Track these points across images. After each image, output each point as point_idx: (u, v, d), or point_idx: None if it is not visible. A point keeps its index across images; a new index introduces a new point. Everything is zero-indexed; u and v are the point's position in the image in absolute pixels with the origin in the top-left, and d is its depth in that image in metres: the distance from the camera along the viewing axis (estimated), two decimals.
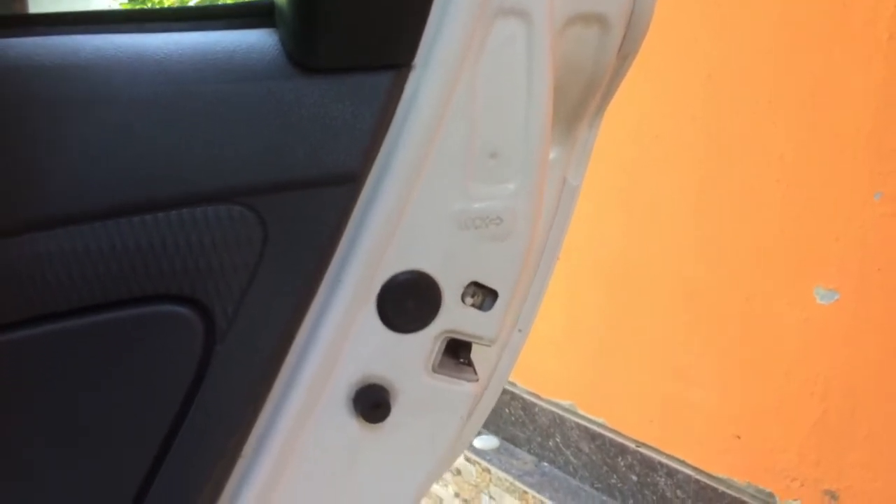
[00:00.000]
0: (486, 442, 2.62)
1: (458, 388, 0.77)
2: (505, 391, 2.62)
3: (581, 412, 2.41)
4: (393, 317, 0.72)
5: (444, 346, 0.76)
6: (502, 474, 2.44)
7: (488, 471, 2.49)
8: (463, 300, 0.74)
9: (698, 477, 2.08)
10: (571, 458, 2.41)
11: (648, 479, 2.20)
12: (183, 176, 0.62)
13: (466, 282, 0.73)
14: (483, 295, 0.75)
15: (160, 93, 0.61)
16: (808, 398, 1.87)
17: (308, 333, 0.70)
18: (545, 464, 2.50)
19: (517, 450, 2.59)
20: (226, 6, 0.71)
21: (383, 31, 0.65)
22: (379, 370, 0.73)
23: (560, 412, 2.45)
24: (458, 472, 2.61)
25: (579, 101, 0.79)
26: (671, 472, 2.14)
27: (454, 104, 0.68)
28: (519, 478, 2.41)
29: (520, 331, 0.87)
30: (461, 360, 0.80)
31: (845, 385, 1.81)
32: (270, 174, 0.64)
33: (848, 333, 1.79)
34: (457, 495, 2.62)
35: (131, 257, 0.61)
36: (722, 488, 2.03)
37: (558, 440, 2.45)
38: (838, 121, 1.75)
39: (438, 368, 0.76)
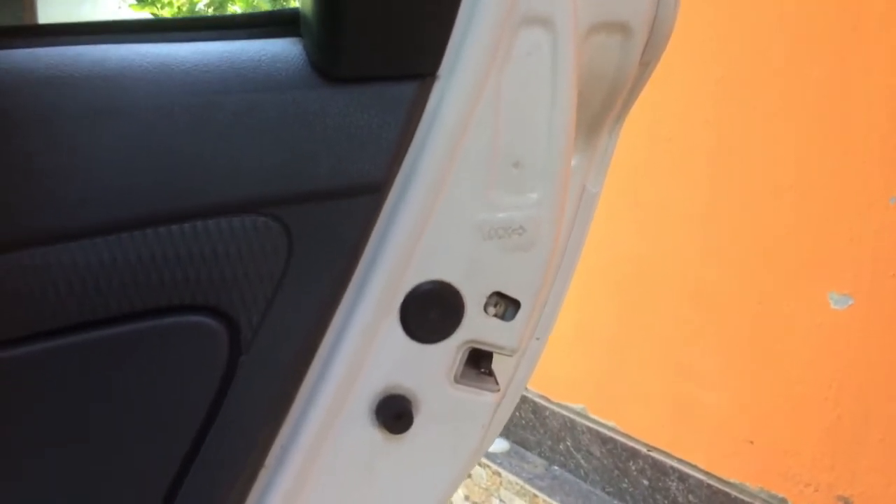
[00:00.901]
0: (496, 445, 2.61)
1: (479, 399, 0.77)
2: None
3: (592, 416, 2.40)
4: (416, 327, 0.71)
5: (466, 357, 0.76)
6: (513, 478, 2.44)
7: (499, 474, 2.49)
8: (485, 310, 0.73)
9: (710, 482, 2.08)
10: (582, 462, 2.41)
11: (660, 484, 2.19)
12: (208, 186, 0.62)
13: (489, 292, 0.73)
14: (505, 305, 0.74)
15: (186, 103, 0.61)
16: (821, 403, 1.86)
17: (332, 343, 0.69)
18: (556, 467, 2.49)
19: (528, 453, 2.58)
20: (250, 15, 0.71)
21: (408, 40, 0.64)
22: (402, 380, 0.73)
23: (571, 416, 2.45)
24: (469, 476, 2.61)
25: (601, 108, 0.78)
26: (683, 477, 2.13)
27: (478, 114, 0.67)
28: (529, 481, 2.41)
29: (537, 339, 0.87)
30: (482, 370, 0.79)
31: (859, 390, 1.80)
32: (295, 185, 0.64)
33: (861, 339, 1.78)
34: (467, 498, 2.62)
35: (157, 268, 0.61)
36: (734, 493, 2.03)
37: (569, 444, 2.45)
38: (852, 124, 1.74)
39: (461, 379, 0.76)
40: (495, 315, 0.74)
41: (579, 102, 0.75)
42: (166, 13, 6.71)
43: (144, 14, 6.96)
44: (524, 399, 2.60)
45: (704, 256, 2.07)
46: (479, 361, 0.79)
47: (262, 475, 0.70)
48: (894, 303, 1.72)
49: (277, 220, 0.63)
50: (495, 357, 0.81)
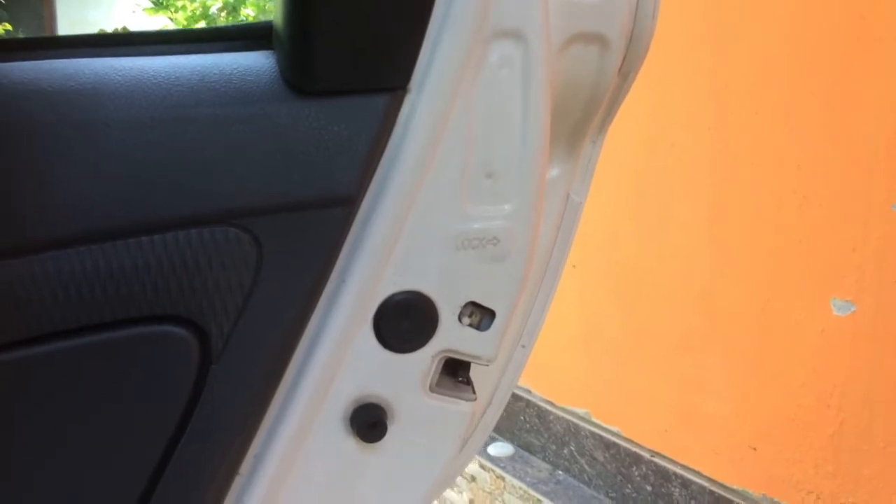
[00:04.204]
0: (500, 449, 2.62)
1: (455, 408, 0.77)
2: (520, 398, 2.62)
3: (596, 420, 2.40)
4: (390, 337, 0.72)
5: (441, 366, 0.76)
6: (516, 482, 2.44)
7: (502, 478, 2.49)
8: (460, 320, 0.74)
9: (713, 488, 2.07)
10: (586, 467, 2.40)
11: (663, 490, 2.18)
12: (179, 199, 0.62)
13: (464, 302, 0.73)
14: (480, 315, 0.75)
15: (157, 116, 0.62)
16: (824, 410, 1.85)
17: (305, 353, 0.70)
18: (560, 472, 2.49)
19: (532, 457, 2.58)
20: (225, 28, 0.72)
21: (378, 54, 0.65)
22: (376, 389, 0.73)
23: (575, 420, 2.44)
24: (473, 479, 2.61)
25: (580, 119, 0.79)
26: (686, 483, 2.12)
27: (450, 126, 0.68)
28: (533, 486, 2.40)
29: (523, 346, 0.87)
30: (460, 378, 0.80)
31: (862, 397, 1.78)
32: (266, 196, 0.64)
33: (864, 345, 1.77)
34: (471, 502, 2.62)
35: (127, 278, 0.62)
36: (737, 500, 2.02)
37: (573, 448, 2.44)
38: (855, 130, 1.73)
39: (436, 388, 0.76)
40: (470, 325, 0.75)
41: (559, 113, 0.76)
42: (180, 17, 6.76)
43: (159, 18, 7.02)
44: (528, 403, 2.60)
45: (709, 263, 2.06)
46: (456, 370, 0.80)
47: (237, 483, 0.71)
48: None
49: (248, 232, 0.64)
50: (480, 367, 0.82)
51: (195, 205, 0.63)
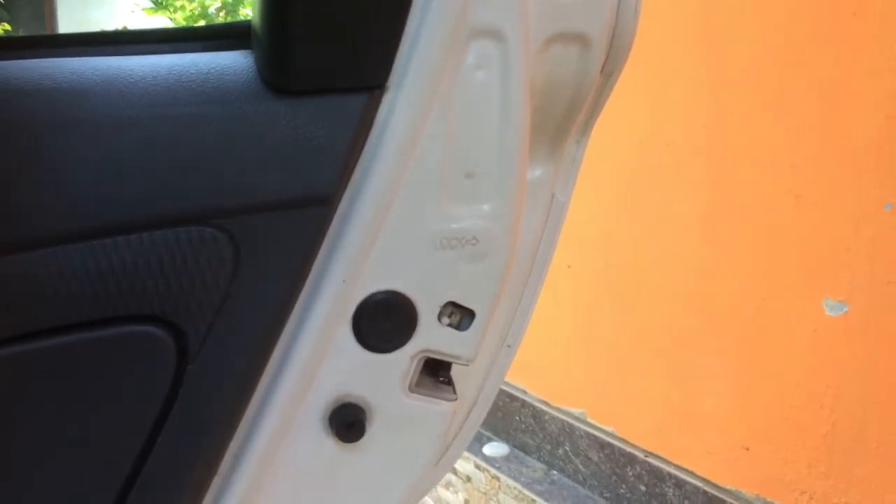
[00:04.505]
0: (496, 449, 2.62)
1: (435, 408, 0.77)
2: (515, 398, 2.62)
3: (591, 420, 2.40)
4: (369, 336, 0.72)
5: (421, 366, 0.76)
6: (511, 482, 2.44)
7: (497, 478, 2.49)
8: (440, 320, 0.74)
9: (706, 488, 2.07)
10: (581, 467, 2.41)
11: (657, 490, 2.18)
12: (155, 198, 0.62)
13: (443, 302, 0.73)
14: (460, 314, 0.75)
15: (134, 115, 0.62)
16: (817, 410, 1.85)
17: (283, 353, 0.70)
18: (555, 472, 2.49)
19: (527, 457, 2.58)
20: (205, 27, 0.72)
21: (356, 53, 0.65)
22: (355, 389, 0.73)
23: (570, 420, 2.44)
24: (469, 479, 2.61)
25: (563, 118, 0.78)
26: (679, 483, 2.12)
27: (429, 125, 0.68)
28: (528, 486, 2.41)
29: (508, 346, 0.87)
30: (441, 378, 0.80)
31: (855, 397, 1.79)
32: (243, 196, 0.64)
33: (857, 346, 1.77)
34: (466, 502, 2.62)
35: (103, 278, 0.61)
36: (730, 500, 2.01)
37: (568, 448, 2.44)
38: (848, 131, 1.73)
39: (416, 388, 0.76)
40: (450, 325, 0.74)
41: (541, 112, 0.76)
42: (179, 17, 6.77)
43: (158, 18, 7.03)
44: (524, 403, 2.60)
45: (703, 262, 2.06)
46: (437, 370, 0.80)
47: (215, 483, 0.71)
48: (889, 310, 1.71)
49: (224, 231, 0.64)
50: (464, 367, 0.82)
51: (171, 204, 0.63)
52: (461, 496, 2.64)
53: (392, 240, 0.70)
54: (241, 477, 0.71)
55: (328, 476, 0.75)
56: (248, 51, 0.69)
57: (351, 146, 0.66)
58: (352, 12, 0.64)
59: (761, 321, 1.94)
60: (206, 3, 6.99)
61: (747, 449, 1.99)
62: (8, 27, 8.17)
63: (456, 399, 0.78)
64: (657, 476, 2.18)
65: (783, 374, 1.90)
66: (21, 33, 8.45)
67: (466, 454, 2.60)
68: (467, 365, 0.78)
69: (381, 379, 0.74)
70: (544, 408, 2.54)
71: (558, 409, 2.50)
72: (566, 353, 2.47)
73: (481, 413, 0.88)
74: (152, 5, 7.14)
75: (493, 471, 2.50)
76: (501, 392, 2.64)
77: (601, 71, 0.76)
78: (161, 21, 7.07)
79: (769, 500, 1.96)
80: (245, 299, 0.66)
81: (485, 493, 2.54)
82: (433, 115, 0.68)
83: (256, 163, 0.64)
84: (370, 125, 0.67)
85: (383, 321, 0.72)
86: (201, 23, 6.86)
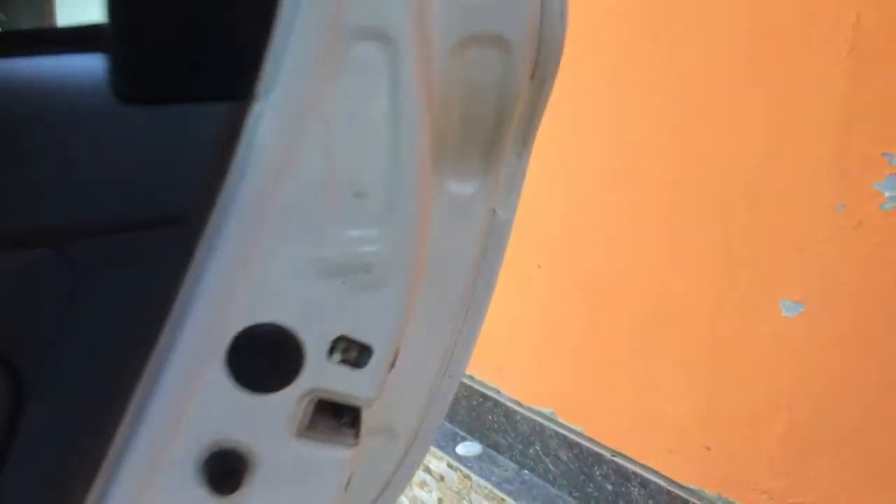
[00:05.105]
0: (468, 449, 2.63)
1: (331, 455, 0.69)
2: (488, 398, 2.63)
3: (561, 420, 2.41)
4: (247, 375, 0.64)
5: (312, 408, 0.69)
6: (482, 482, 2.46)
7: (469, 478, 2.51)
8: (330, 356, 0.66)
9: (670, 488, 2.08)
10: (551, 467, 2.42)
11: (623, 489, 2.20)
12: None
13: (333, 336, 0.66)
14: (356, 351, 0.67)
15: None
16: (774, 410, 1.86)
17: (145, 391, 0.62)
18: (525, 471, 2.50)
19: (499, 457, 2.60)
20: (60, 29, 0.64)
21: (216, 57, 0.59)
22: (233, 434, 0.66)
23: (541, 420, 2.46)
24: (442, 478, 2.63)
25: (493, 129, 0.72)
26: (644, 483, 2.14)
27: (308, 137, 0.61)
28: (498, 485, 2.42)
29: (450, 377, 0.81)
30: (344, 420, 0.72)
31: (811, 397, 1.79)
32: (86, 216, 0.58)
33: (813, 346, 1.78)
34: (440, 501, 2.64)
35: None
36: (693, 500, 2.03)
37: (538, 448, 2.46)
38: (802, 133, 1.74)
39: (307, 432, 0.68)
40: (343, 362, 0.67)
41: (468, 122, 0.70)
42: None
43: None
44: (496, 403, 2.61)
45: (667, 265, 2.07)
46: (340, 412, 0.72)
47: None
48: (844, 310, 1.71)
49: (60, 255, 0.57)
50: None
51: (2, 225, 0.56)
52: (435, 495, 2.66)
53: (268, 266, 0.62)
54: None
55: None
56: (101, 54, 0.62)
57: (213, 161, 0.59)
58: (210, 11, 0.58)
59: (722, 323, 1.95)
60: None
61: (708, 449, 2.00)
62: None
63: (357, 444, 0.71)
64: (623, 475, 2.19)
65: (742, 374, 1.91)
66: None
67: (440, 453, 2.61)
68: (368, 406, 0.70)
69: (264, 423, 0.66)
70: (516, 407, 2.55)
71: (530, 409, 2.51)
72: (537, 352, 2.48)
73: (423, 448, 0.82)
74: None
75: (465, 470, 2.52)
76: (475, 392, 2.66)
77: (531, 77, 0.70)
78: None
79: (730, 499, 1.97)
80: (90, 333, 0.59)
81: (457, 493, 2.56)
82: (312, 126, 0.61)
83: (102, 178, 0.58)
84: (236, 137, 0.60)
85: (262, 358, 0.64)
86: None
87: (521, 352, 2.51)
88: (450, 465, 2.58)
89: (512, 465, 2.54)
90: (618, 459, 2.22)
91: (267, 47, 0.59)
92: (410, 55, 0.62)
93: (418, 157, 0.64)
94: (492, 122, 0.71)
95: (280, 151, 0.61)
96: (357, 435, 0.71)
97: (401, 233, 0.65)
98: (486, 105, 0.70)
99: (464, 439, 2.70)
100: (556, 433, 2.40)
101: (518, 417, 2.53)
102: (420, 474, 2.67)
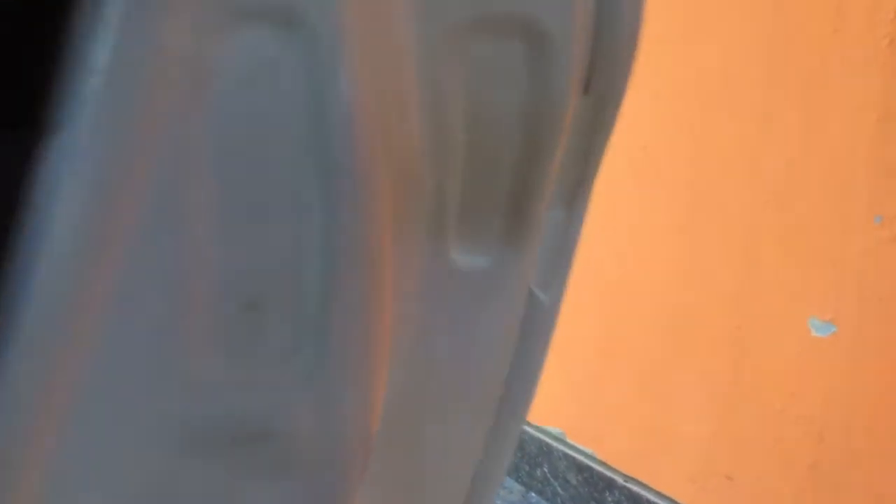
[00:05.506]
0: None
1: None
2: None
3: (570, 441, 2.30)
4: None
5: None
6: None
7: None
8: None
9: None
10: (559, 490, 2.30)
11: None
12: None
13: None
14: None
15: None
16: (803, 438, 1.73)
17: None
18: (533, 494, 2.38)
19: (506, 478, 2.47)
20: None
21: None
22: None
23: (549, 440, 2.34)
24: None
25: (518, 168, 0.43)
26: None
27: (149, 198, 0.23)
28: None
29: None
30: None
31: (843, 425, 1.67)
32: None
33: (846, 369, 1.65)
34: None
35: None
36: None
37: (546, 470, 2.34)
38: (835, 136, 1.61)
39: None
40: None
41: (478, 157, 0.35)
42: None
43: None
44: None
45: (686, 277, 1.96)
46: None
47: None
48: (880, 330, 1.59)
49: None
50: None
51: None
52: None
53: (88, 436, 0.29)
54: None
55: None
56: None
57: None
58: None
59: (744, 341, 1.82)
60: None
61: (730, 478, 1.88)
62: None
63: None
64: (636, 503, 2.07)
65: (767, 399, 1.79)
66: None
67: None
68: None
69: None
70: (524, 426, 2.43)
71: (537, 429, 2.40)
72: (547, 370, 2.36)
73: None
74: None
75: None
76: None
77: (585, 91, 0.45)
78: None
79: None
80: None
81: None
82: (155, 177, 0.24)
83: None
84: (13, 186, 0.26)
85: None
86: None
87: None
88: None
89: (518, 488, 2.43)
90: (631, 485, 2.09)
91: (62, 47, 0.29)
92: (342, 49, 0.28)
93: (360, 231, 0.35)
94: (516, 156, 0.42)
95: (93, 221, 0.23)
96: None
97: (334, 373, 0.33)
98: (505, 129, 0.41)
99: None
100: (565, 455, 2.28)
101: (525, 437, 2.42)
102: None
